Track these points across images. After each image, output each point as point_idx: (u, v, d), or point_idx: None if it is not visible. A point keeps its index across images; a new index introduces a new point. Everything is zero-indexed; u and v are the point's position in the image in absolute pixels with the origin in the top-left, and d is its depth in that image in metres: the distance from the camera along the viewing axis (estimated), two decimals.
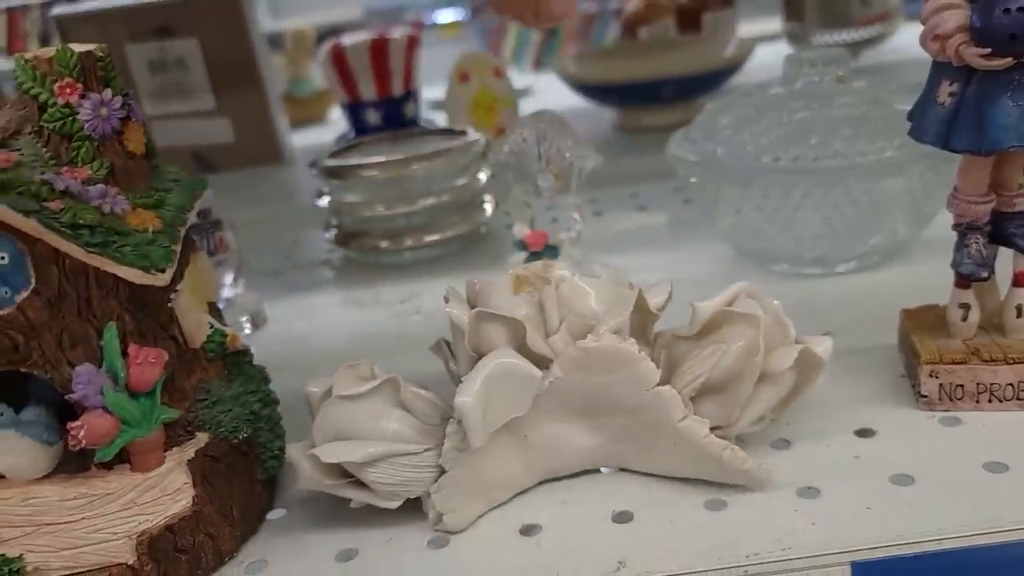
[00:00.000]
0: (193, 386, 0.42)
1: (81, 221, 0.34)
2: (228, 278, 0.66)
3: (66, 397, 0.37)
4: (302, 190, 1.01)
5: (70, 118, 0.37)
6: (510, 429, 0.40)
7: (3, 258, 0.35)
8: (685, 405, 0.40)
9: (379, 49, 1.02)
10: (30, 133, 0.38)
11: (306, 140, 1.23)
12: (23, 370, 0.37)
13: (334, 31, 1.51)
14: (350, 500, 0.41)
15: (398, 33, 1.04)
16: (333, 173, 0.74)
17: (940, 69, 0.41)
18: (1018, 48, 0.37)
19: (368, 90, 1.04)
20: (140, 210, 0.38)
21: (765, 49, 1.12)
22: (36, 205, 0.34)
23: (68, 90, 0.37)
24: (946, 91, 0.40)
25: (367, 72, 1.03)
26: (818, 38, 1.18)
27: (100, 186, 0.37)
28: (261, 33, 1.08)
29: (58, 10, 1.04)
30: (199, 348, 0.42)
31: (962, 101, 0.40)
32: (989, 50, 0.37)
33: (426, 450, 0.40)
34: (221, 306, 0.50)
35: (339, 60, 1.02)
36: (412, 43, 1.04)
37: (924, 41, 0.40)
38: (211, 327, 0.42)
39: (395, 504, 0.40)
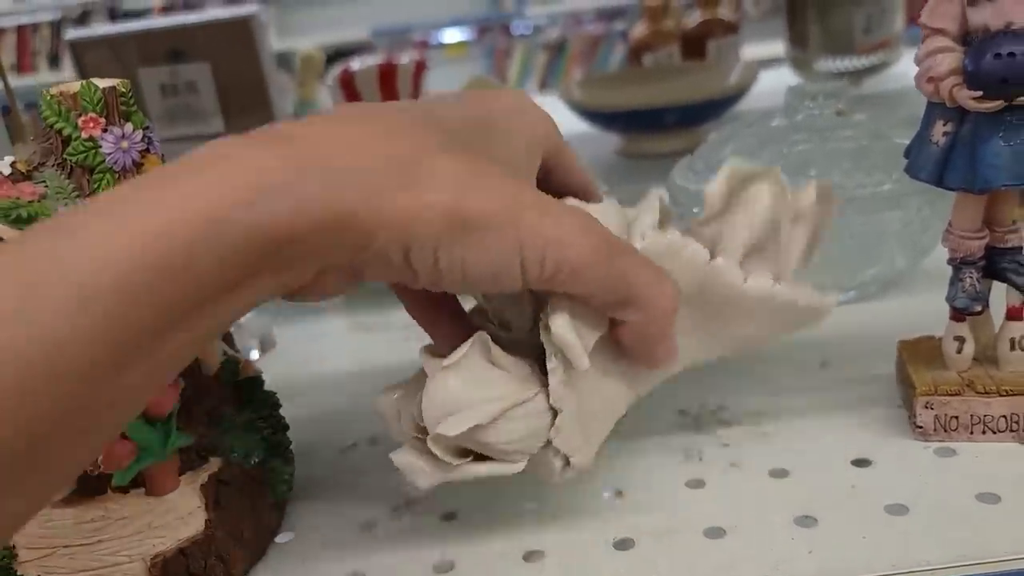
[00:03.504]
0: (207, 412, 0.43)
1: None
2: None
3: None
4: None
5: (93, 151, 0.39)
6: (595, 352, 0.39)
7: None
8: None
9: (387, 74, 1.04)
10: (53, 166, 0.39)
11: None
12: None
13: (341, 52, 1.53)
14: (357, 522, 0.42)
15: (406, 59, 1.06)
16: None
17: (934, 109, 0.42)
18: (1009, 91, 0.38)
19: None
20: None
21: (768, 74, 1.13)
22: None
23: (91, 124, 0.39)
24: (940, 130, 0.41)
25: (375, 96, 1.05)
26: (821, 64, 1.20)
27: None
28: (272, 58, 1.10)
29: (72, 35, 1.06)
30: (213, 374, 0.43)
31: (956, 140, 0.41)
32: (981, 93, 0.39)
33: (536, 394, 0.38)
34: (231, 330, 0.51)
35: (348, 84, 1.04)
36: (420, 68, 1.06)
37: (919, 82, 0.41)
38: (224, 354, 0.44)
39: (521, 465, 0.38)
